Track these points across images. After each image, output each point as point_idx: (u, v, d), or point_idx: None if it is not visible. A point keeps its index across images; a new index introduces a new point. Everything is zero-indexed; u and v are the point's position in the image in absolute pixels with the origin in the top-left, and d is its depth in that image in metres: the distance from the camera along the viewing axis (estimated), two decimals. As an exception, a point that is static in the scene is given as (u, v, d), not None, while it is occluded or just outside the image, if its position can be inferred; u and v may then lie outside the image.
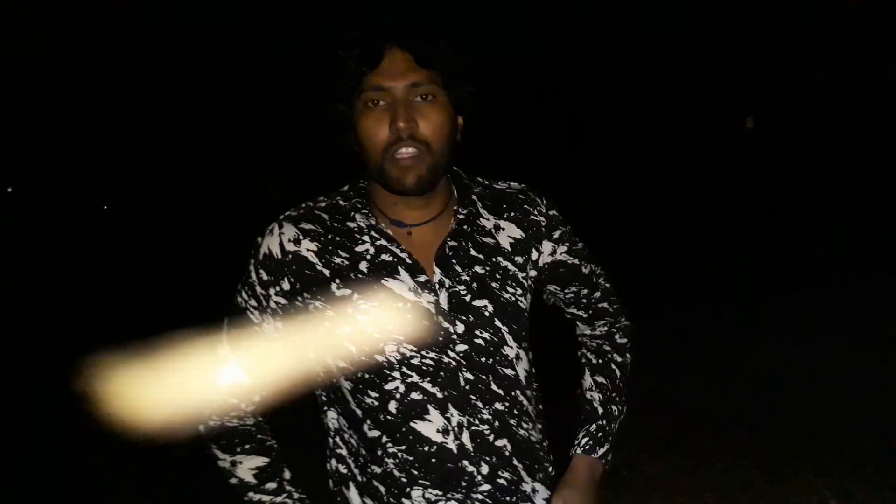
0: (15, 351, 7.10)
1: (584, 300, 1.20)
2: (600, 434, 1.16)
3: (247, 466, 1.08)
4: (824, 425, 3.68)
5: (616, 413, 1.18)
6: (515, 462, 1.04)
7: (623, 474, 3.31)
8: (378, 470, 1.01)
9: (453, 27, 1.07)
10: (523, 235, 1.11)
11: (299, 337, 1.05)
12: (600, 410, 1.17)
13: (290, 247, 1.01)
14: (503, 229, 1.10)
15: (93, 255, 11.91)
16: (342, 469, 1.08)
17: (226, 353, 1.07)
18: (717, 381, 4.47)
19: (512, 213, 1.11)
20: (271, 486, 1.08)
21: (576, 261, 1.17)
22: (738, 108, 12.90)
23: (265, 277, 1.02)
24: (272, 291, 1.02)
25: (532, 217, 1.12)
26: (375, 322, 0.99)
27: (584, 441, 1.15)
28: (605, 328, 1.24)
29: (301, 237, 1.02)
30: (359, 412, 1.02)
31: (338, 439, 1.08)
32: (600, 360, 1.21)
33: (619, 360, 1.22)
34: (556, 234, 1.14)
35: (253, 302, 1.04)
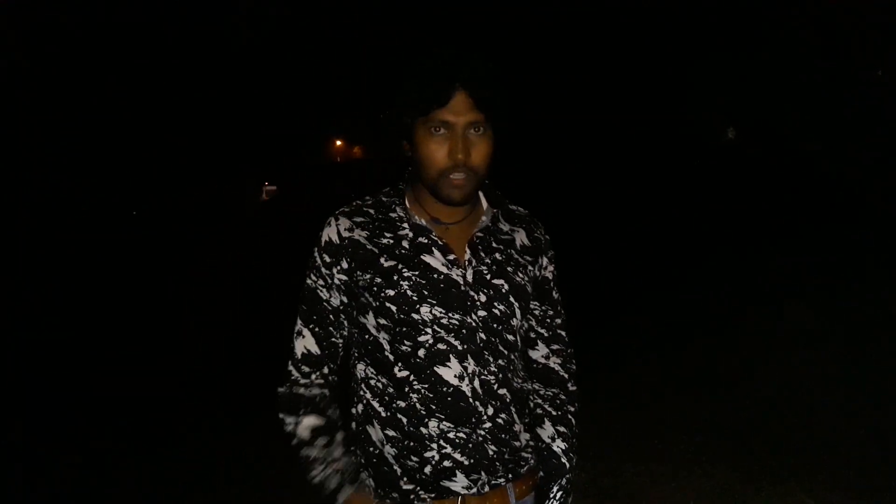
0: (15, 350, 7.16)
1: (548, 320, 1.41)
2: (570, 486, 1.37)
3: (305, 425, 1.24)
4: (804, 433, 3.72)
5: (575, 462, 1.38)
6: (511, 407, 1.27)
7: (605, 483, 3.32)
8: (403, 404, 1.22)
9: (500, 63, 1.23)
10: (531, 245, 1.36)
11: (354, 306, 1.26)
12: (567, 464, 1.36)
13: (346, 234, 1.24)
14: (517, 233, 1.35)
15: (95, 254, 11.97)
16: (366, 409, 1.27)
17: (300, 327, 1.28)
18: (697, 390, 4.51)
19: (522, 226, 1.37)
20: (321, 441, 1.23)
21: (553, 283, 1.41)
22: (720, 118, 12.95)
23: (328, 260, 1.25)
24: (335, 270, 1.25)
25: (536, 235, 1.38)
26: (415, 287, 1.22)
27: (558, 495, 1.35)
28: (559, 355, 1.42)
29: (354, 227, 1.25)
30: (392, 357, 1.23)
31: (363, 385, 1.27)
32: (559, 412, 1.38)
33: (573, 409, 1.40)
34: (550, 254, 1.40)
35: (321, 282, 1.26)
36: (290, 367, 1.28)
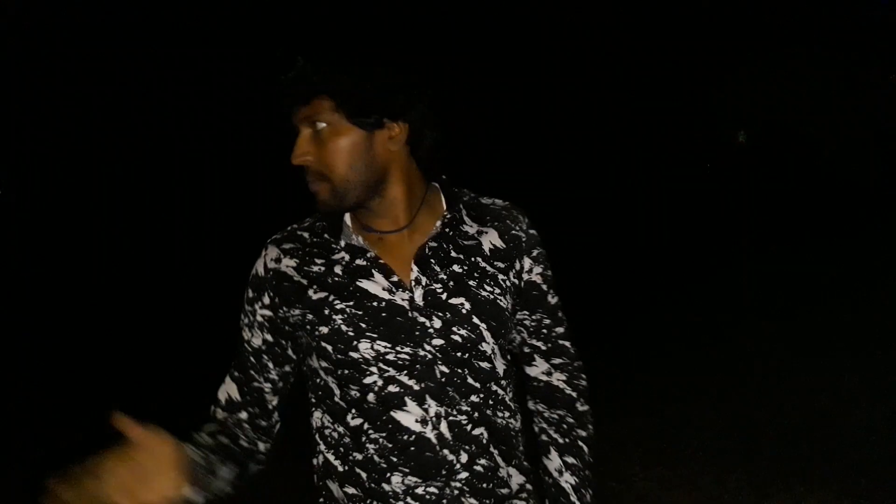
0: (15, 350, 7.13)
1: (544, 330, 1.20)
2: None
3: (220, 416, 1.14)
4: (815, 442, 3.67)
5: (589, 498, 1.19)
6: (492, 449, 1.08)
7: (613, 487, 3.29)
8: (359, 456, 1.05)
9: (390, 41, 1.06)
10: (504, 246, 1.13)
11: (285, 345, 1.13)
12: (578, 503, 1.18)
13: (271, 265, 1.10)
14: (486, 234, 1.12)
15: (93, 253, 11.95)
16: (324, 463, 1.11)
17: (230, 371, 1.16)
18: (708, 395, 4.46)
19: (495, 224, 1.14)
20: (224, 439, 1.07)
21: (545, 287, 1.19)
22: (731, 122, 12.95)
23: (251, 295, 1.12)
24: (257, 307, 1.11)
25: (514, 232, 1.14)
26: (350, 320, 1.04)
27: None
28: (563, 370, 1.23)
29: (282, 256, 1.10)
30: (343, 403, 1.06)
31: (318, 437, 1.13)
32: (567, 439, 1.20)
33: (584, 434, 1.21)
34: (535, 253, 1.17)
35: (246, 320, 1.13)
36: (211, 407, 1.15)
